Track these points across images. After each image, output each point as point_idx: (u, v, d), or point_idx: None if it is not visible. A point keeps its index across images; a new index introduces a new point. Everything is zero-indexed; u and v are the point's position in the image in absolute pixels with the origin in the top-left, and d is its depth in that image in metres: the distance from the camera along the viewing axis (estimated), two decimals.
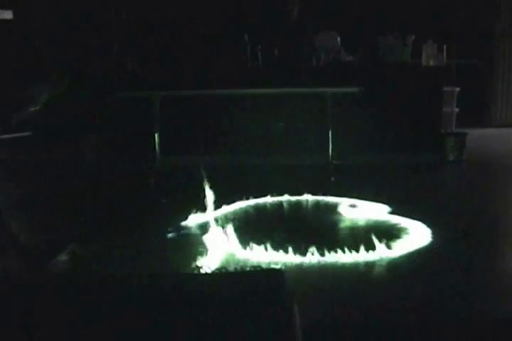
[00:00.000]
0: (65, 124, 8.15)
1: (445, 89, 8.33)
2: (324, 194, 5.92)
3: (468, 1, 10.41)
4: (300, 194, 6.00)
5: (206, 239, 4.48)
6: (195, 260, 3.93)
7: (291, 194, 5.99)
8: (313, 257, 4.07)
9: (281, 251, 4.14)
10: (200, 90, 7.63)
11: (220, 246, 4.30)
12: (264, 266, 3.93)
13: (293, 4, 8.45)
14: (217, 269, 3.12)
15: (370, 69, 8.14)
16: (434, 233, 4.66)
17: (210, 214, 5.07)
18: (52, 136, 8.09)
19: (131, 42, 8.57)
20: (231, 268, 3.64)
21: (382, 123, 7.83)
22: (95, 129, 8.12)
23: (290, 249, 4.15)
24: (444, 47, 8.15)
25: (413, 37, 8.33)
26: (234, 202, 5.65)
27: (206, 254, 4.11)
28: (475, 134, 8.43)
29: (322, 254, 4.10)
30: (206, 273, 2.73)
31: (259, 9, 9.20)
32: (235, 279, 2.56)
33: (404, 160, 7.59)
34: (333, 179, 6.88)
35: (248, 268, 2.92)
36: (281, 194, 5.98)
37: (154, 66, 8.32)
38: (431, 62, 8.11)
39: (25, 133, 7.76)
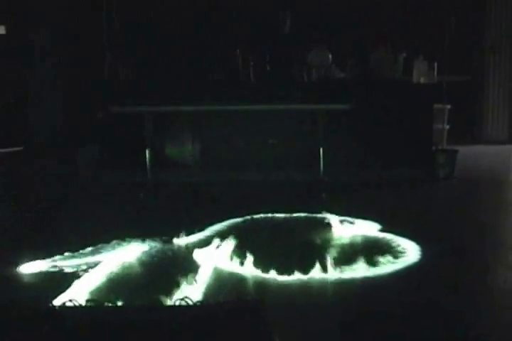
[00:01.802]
0: (59, 138, 8.12)
1: (436, 106, 8.36)
2: (315, 211, 5.90)
3: (456, 17, 10.47)
4: (290, 210, 5.98)
5: (196, 256, 4.47)
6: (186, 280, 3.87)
7: (281, 211, 5.96)
8: (298, 276, 4.05)
9: (266, 270, 4.12)
10: (191, 106, 7.60)
11: (209, 263, 4.29)
12: (248, 285, 3.93)
13: (284, 21, 8.48)
14: (198, 301, 3.07)
15: (361, 86, 8.14)
16: (423, 249, 4.66)
17: (201, 232, 5.12)
18: (44, 149, 8.03)
19: (123, 56, 8.56)
20: (215, 295, 3.63)
21: (372, 140, 7.84)
22: (88, 143, 8.06)
23: (275, 268, 4.14)
24: (435, 64, 8.19)
25: (404, 53, 8.42)
26: (225, 219, 5.62)
27: (196, 272, 4.08)
28: (466, 151, 8.46)
29: (312, 271, 4.08)
30: (186, 305, 2.71)
31: (251, 25, 9.23)
32: (213, 311, 2.58)
33: (395, 177, 7.59)
34: (324, 195, 6.87)
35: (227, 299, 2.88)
36: (271, 210, 5.95)
37: (146, 80, 8.31)
38: (422, 80, 8.15)
39: (16, 148, 7.72)
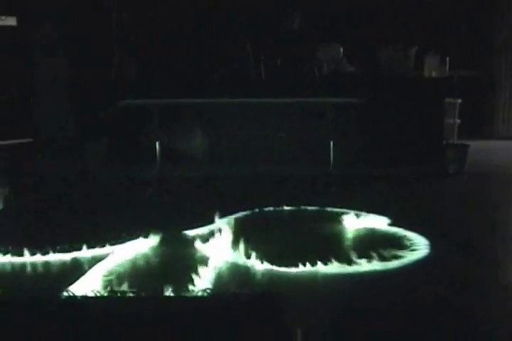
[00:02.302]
0: (66, 132, 8.11)
1: (447, 100, 8.32)
2: (324, 204, 5.87)
3: (469, 13, 10.42)
4: (299, 204, 5.96)
5: (205, 249, 4.47)
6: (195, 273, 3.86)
7: (290, 204, 5.94)
8: (310, 268, 4.03)
9: (274, 263, 4.10)
10: (201, 99, 7.60)
11: (218, 256, 4.28)
12: (257, 278, 3.93)
13: (294, 15, 8.46)
14: (219, 291, 3.05)
15: (372, 80, 8.12)
16: (432, 244, 4.62)
17: (210, 225, 5.10)
18: (53, 143, 8.03)
19: (131, 51, 8.55)
20: (231, 286, 3.65)
21: (383, 134, 7.84)
22: (97, 137, 8.06)
23: (283, 260, 4.12)
24: (447, 58, 8.14)
25: (415, 48, 8.37)
26: (234, 212, 5.59)
27: (205, 265, 4.06)
28: (476, 146, 8.38)
29: (320, 265, 4.06)
30: (206, 296, 2.72)
31: (261, 20, 9.20)
32: (234, 303, 2.57)
33: (406, 171, 7.56)
34: (333, 189, 6.84)
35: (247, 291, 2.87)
36: (280, 204, 5.94)
37: (155, 75, 8.30)
38: (433, 74, 8.13)
39: (25, 140, 7.71)
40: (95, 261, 4.15)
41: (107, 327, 2.49)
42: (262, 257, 4.18)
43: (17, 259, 4.27)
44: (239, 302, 2.55)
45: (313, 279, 3.92)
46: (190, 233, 4.99)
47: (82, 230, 5.05)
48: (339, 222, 5.31)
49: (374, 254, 4.26)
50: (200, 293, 2.81)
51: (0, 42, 8.73)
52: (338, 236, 4.99)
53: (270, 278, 3.93)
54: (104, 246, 4.49)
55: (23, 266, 4.19)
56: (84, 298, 2.83)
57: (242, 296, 2.66)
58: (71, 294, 2.89)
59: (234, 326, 2.39)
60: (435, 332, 3.11)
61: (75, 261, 4.26)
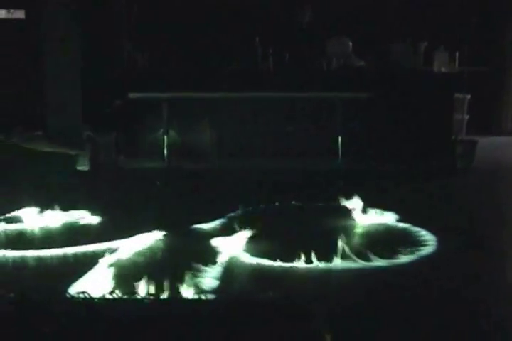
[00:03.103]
0: (76, 124, 8.13)
1: (456, 96, 8.29)
2: (332, 199, 5.84)
3: (480, 9, 10.38)
4: (308, 198, 5.96)
5: (213, 244, 4.46)
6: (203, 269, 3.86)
7: (299, 199, 5.93)
8: (318, 264, 4.01)
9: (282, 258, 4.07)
10: (210, 93, 7.62)
11: (226, 252, 4.26)
12: (265, 274, 3.90)
13: (305, 9, 8.44)
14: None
15: (381, 75, 8.11)
16: (440, 241, 4.58)
17: (218, 220, 5.10)
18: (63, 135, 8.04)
19: (142, 43, 8.56)
20: (232, 285, 3.64)
21: (392, 130, 7.81)
22: (105, 129, 8.09)
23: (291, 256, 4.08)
24: (456, 54, 8.12)
25: (425, 44, 8.35)
26: (242, 206, 5.55)
27: (213, 260, 4.06)
28: (485, 142, 8.39)
29: (326, 261, 4.04)
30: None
31: (271, 13, 9.19)
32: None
33: (414, 166, 7.53)
34: (341, 184, 6.84)
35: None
36: (288, 198, 5.92)
37: (165, 68, 8.31)
38: (442, 69, 8.09)
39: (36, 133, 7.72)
40: (103, 255, 4.06)
41: (110, 328, 2.50)
42: (271, 253, 4.16)
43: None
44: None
45: (321, 275, 3.90)
46: (198, 228, 4.98)
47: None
48: (348, 217, 5.28)
49: (382, 250, 4.23)
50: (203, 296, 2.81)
51: (8, 35, 8.73)
52: (346, 231, 4.94)
53: (277, 274, 3.90)
54: (112, 240, 4.47)
55: (29, 260, 4.19)
56: (89, 299, 2.81)
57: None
58: (75, 294, 2.89)
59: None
60: (445, 326, 3.11)
61: (82, 255, 4.25)
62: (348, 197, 5.55)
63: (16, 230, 4.97)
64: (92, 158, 7.60)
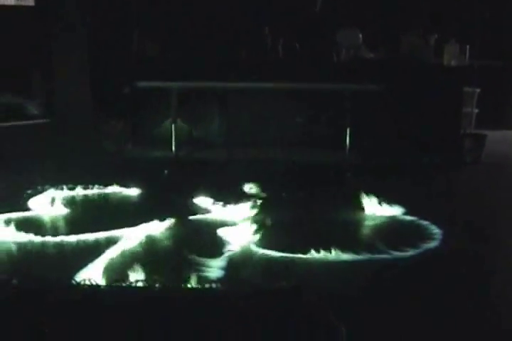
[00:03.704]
0: (84, 112, 8.13)
1: (466, 89, 8.25)
2: (340, 192, 5.86)
3: (492, 1, 10.30)
4: (315, 190, 5.97)
5: (221, 234, 4.47)
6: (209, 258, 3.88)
7: (307, 190, 5.95)
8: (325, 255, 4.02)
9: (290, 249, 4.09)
10: (218, 82, 7.57)
11: (234, 242, 4.27)
12: (272, 264, 3.92)
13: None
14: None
15: (390, 67, 8.06)
16: (447, 234, 4.60)
17: (225, 209, 5.11)
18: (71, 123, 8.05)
19: (152, 32, 8.53)
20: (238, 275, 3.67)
21: (400, 122, 7.76)
22: (114, 118, 8.09)
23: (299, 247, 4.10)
24: (467, 47, 8.06)
25: (436, 36, 8.28)
26: (250, 197, 5.57)
27: (220, 250, 4.08)
28: (493, 136, 8.34)
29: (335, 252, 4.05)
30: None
31: (282, 2, 9.13)
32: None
33: (422, 160, 7.51)
34: (348, 177, 6.82)
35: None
36: (296, 189, 5.97)
37: (174, 56, 8.28)
38: (452, 62, 8.03)
39: (42, 120, 7.70)
40: (108, 243, 4.14)
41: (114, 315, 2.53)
42: (277, 243, 4.16)
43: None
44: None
45: (327, 266, 3.90)
46: (205, 217, 4.99)
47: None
48: (355, 209, 5.28)
49: (386, 242, 4.26)
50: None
51: (17, 22, 8.72)
52: (354, 223, 4.99)
53: (285, 265, 3.91)
54: (118, 228, 4.48)
55: (34, 246, 4.23)
56: (95, 286, 2.85)
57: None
58: (81, 281, 2.92)
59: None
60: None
61: (89, 243, 4.27)
62: (358, 190, 5.55)
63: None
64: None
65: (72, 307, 2.58)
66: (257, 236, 4.33)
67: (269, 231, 4.43)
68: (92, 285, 2.82)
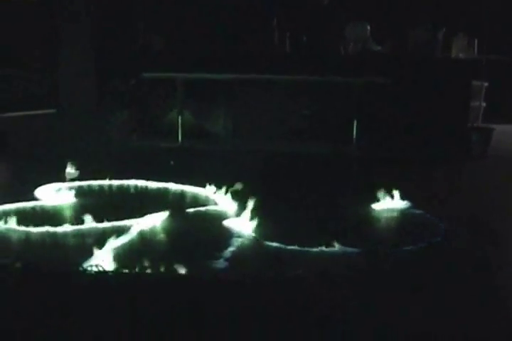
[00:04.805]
0: (90, 103, 8.13)
1: (473, 83, 8.21)
2: (345, 184, 5.83)
3: None
4: (321, 183, 5.95)
5: (225, 225, 4.48)
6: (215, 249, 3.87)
7: (312, 182, 5.92)
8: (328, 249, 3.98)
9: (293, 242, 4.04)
10: (224, 74, 7.60)
11: (239, 233, 4.27)
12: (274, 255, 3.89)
13: None
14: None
15: (398, 60, 8.02)
16: (451, 229, 4.54)
17: (230, 201, 5.08)
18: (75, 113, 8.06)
19: (157, 22, 8.51)
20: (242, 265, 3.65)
21: (407, 116, 7.71)
22: (120, 108, 8.08)
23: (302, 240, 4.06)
24: (475, 41, 8.02)
25: (444, 30, 8.22)
26: (255, 189, 5.36)
27: (225, 241, 4.07)
28: (502, 130, 8.31)
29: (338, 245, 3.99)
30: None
31: None
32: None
33: (429, 153, 7.47)
34: (354, 170, 6.80)
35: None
36: (302, 182, 5.93)
37: (180, 48, 8.26)
38: (460, 56, 8.03)
39: (48, 110, 7.70)
40: (117, 232, 4.09)
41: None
42: (282, 235, 4.13)
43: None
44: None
45: (329, 259, 3.85)
46: (210, 209, 4.99)
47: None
48: (361, 202, 5.23)
49: (393, 236, 4.30)
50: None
51: (22, 13, 8.71)
52: (360, 217, 4.92)
53: (290, 257, 3.87)
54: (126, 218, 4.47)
55: (44, 235, 4.22)
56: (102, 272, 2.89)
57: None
58: (89, 268, 2.95)
59: None
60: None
61: (97, 233, 4.25)
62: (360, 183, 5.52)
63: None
64: None
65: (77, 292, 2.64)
66: (261, 228, 4.30)
67: (272, 223, 4.39)
68: (99, 271, 2.87)
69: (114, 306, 2.57)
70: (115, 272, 2.97)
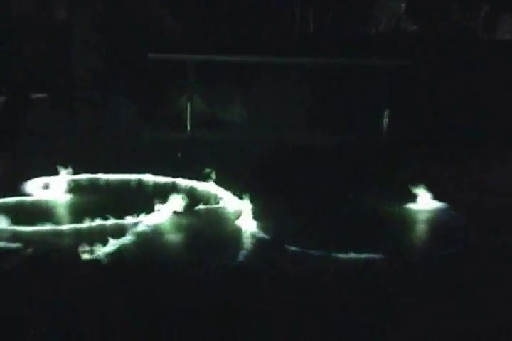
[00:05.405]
0: (99, 90, 7.92)
1: None
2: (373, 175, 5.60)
3: None
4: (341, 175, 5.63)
5: (237, 221, 4.33)
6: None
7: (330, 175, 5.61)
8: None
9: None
10: (241, 56, 7.32)
11: (249, 228, 4.14)
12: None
13: None
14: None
15: (435, 41, 7.63)
16: (475, 226, 4.26)
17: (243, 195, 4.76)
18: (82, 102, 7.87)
19: (172, 3, 8.11)
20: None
21: (438, 100, 7.35)
22: (127, 94, 7.80)
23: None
24: None
25: (487, 7, 7.88)
26: (270, 181, 5.29)
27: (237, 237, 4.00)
28: None
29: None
30: None
31: None
32: None
33: (459, 139, 7.01)
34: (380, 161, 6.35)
35: None
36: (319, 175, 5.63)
37: (193, 27, 7.82)
38: (506, 37, 7.78)
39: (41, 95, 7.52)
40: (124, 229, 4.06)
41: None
42: (296, 233, 3.99)
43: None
44: None
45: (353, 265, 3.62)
46: (219, 205, 4.78)
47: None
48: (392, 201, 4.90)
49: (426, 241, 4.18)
50: None
51: None
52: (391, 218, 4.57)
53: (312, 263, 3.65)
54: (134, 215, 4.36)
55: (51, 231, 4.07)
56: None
57: None
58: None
59: None
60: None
61: (104, 229, 4.12)
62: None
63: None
64: None
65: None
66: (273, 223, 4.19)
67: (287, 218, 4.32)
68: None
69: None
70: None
